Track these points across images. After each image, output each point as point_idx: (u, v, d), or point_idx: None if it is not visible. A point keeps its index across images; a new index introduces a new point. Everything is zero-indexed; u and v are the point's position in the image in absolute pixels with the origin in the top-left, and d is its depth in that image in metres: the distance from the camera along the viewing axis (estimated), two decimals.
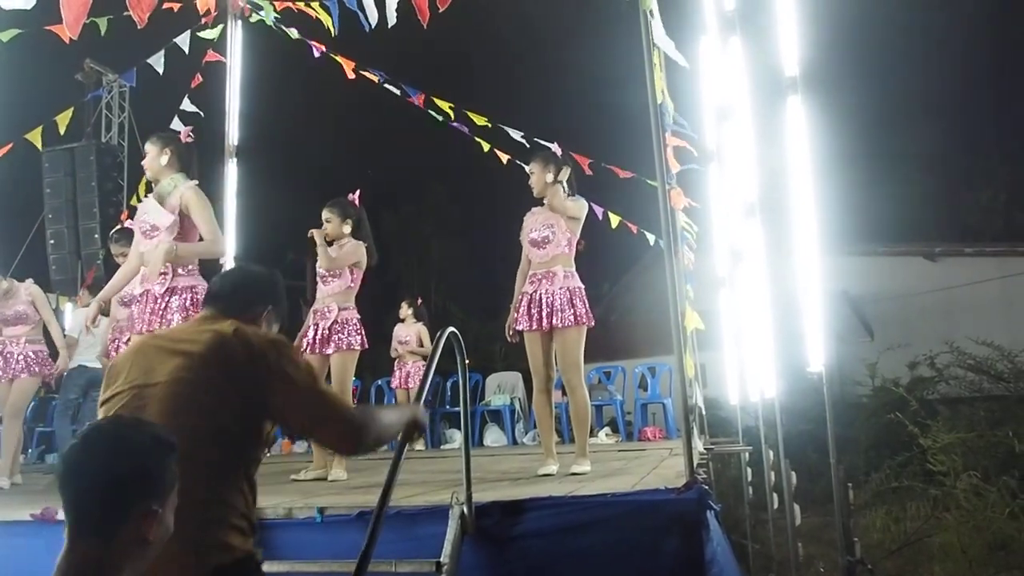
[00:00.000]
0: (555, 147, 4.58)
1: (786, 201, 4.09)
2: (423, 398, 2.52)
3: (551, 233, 4.27)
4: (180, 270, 3.92)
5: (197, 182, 4.07)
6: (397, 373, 7.91)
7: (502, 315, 4.67)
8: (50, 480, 5.82)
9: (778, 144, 4.26)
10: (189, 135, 4.23)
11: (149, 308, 3.86)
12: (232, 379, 1.94)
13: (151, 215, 3.99)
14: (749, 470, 5.92)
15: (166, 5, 4.88)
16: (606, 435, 7.34)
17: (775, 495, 4.65)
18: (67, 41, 3.88)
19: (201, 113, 6.63)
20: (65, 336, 6.78)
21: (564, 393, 4.54)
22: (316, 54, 6.19)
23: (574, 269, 4.32)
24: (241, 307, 2.21)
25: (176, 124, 6.61)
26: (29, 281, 5.53)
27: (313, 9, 5.64)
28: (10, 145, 5.75)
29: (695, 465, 2.92)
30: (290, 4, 5.81)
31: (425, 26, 4.27)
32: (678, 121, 4.99)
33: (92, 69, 9.35)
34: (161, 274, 3.88)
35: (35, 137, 5.92)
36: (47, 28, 5.37)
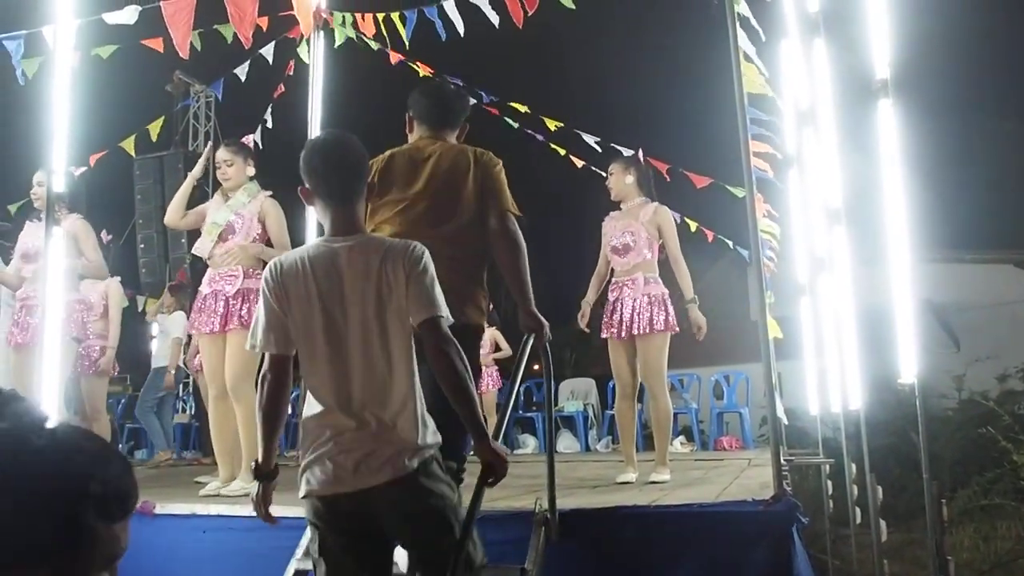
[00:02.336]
0: (637, 152, 4.58)
1: (873, 207, 3.98)
2: (511, 404, 2.55)
3: (631, 240, 4.25)
4: (250, 272, 4.12)
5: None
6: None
7: (572, 322, 4.68)
8: (145, 474, 6.05)
9: (864, 148, 4.15)
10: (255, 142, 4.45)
11: (221, 309, 4.02)
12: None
13: (223, 220, 4.20)
14: (829, 483, 5.76)
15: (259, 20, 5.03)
16: (681, 443, 7.26)
17: (857, 510, 4.52)
18: (184, 56, 4.09)
19: (269, 124, 6.84)
20: (153, 338, 7.05)
21: (639, 400, 4.51)
22: (393, 61, 6.30)
23: (657, 275, 4.28)
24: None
25: (258, 135, 6.85)
26: (115, 280, 5.66)
27: (389, 21, 5.76)
28: (104, 152, 6.02)
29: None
30: (359, 17, 5.94)
31: (520, 26, 4.32)
32: (763, 124, 4.91)
33: (181, 80, 9.73)
34: (231, 276, 4.06)
35: (129, 145, 6.19)
36: (143, 42, 5.62)
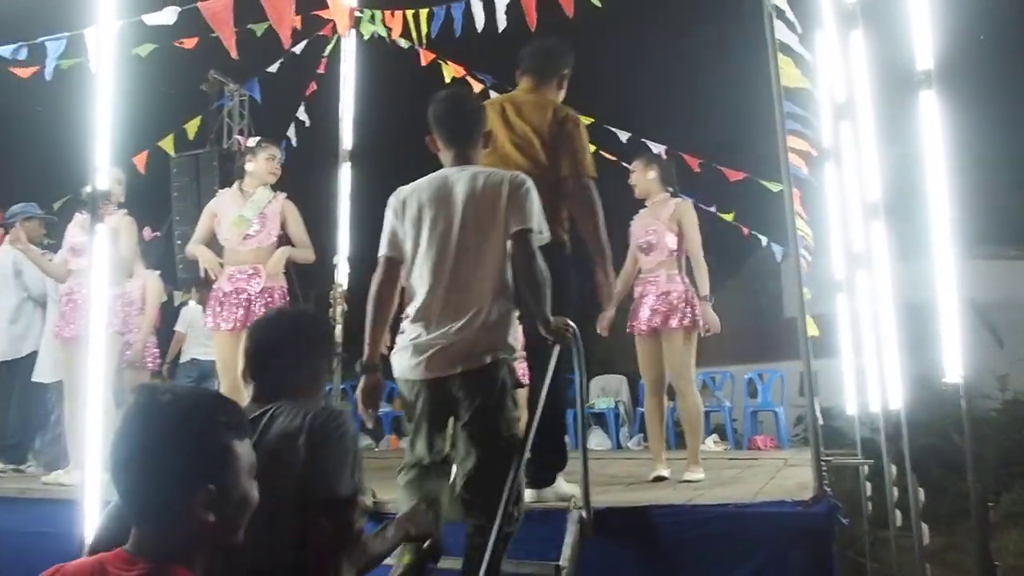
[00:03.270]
0: (660, 149, 4.54)
1: (913, 202, 3.89)
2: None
3: (654, 239, 4.22)
4: (270, 271, 4.25)
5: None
6: None
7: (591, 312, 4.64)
8: None
9: (904, 142, 4.06)
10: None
11: (243, 306, 4.09)
12: None
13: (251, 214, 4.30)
14: (868, 484, 5.65)
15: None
16: (714, 442, 7.17)
17: (897, 512, 4.43)
18: (234, 57, 4.16)
19: (307, 123, 6.89)
20: (175, 331, 7.12)
21: (671, 398, 4.46)
22: (424, 62, 6.31)
23: (681, 273, 4.23)
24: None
25: (291, 131, 6.91)
26: (154, 274, 5.70)
27: (416, 17, 5.77)
28: (145, 151, 6.10)
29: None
30: (388, 15, 5.96)
31: (571, 16, 4.31)
32: (798, 119, 4.83)
33: (215, 79, 9.82)
34: (253, 274, 4.14)
35: (168, 144, 6.28)
36: (177, 43, 5.70)
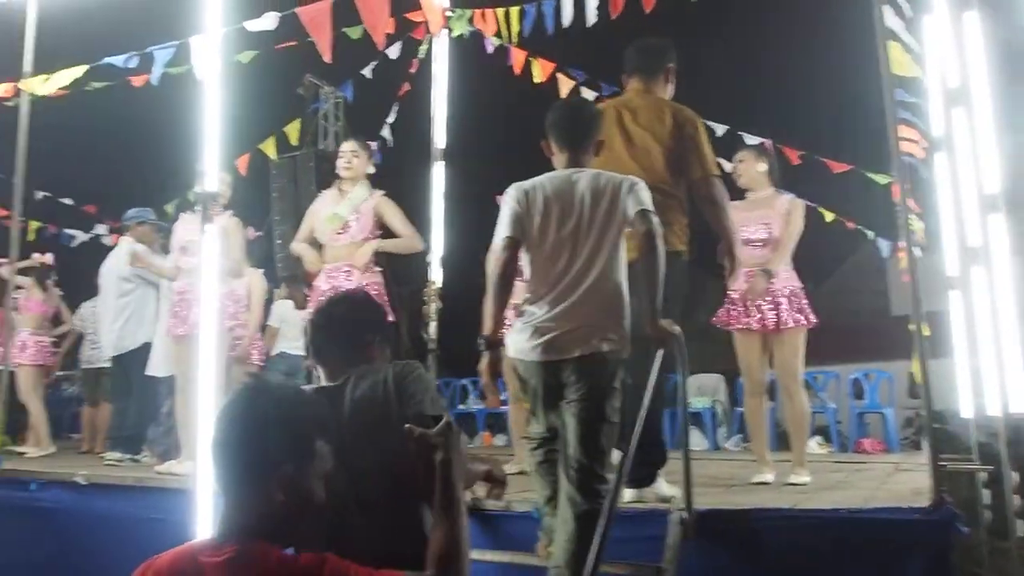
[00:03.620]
0: (759, 141, 4.40)
1: None
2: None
3: (769, 232, 4.07)
4: (364, 268, 4.32)
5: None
6: None
7: (694, 315, 4.51)
8: None
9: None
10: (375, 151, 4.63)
11: None
12: None
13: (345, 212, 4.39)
14: (985, 492, 5.34)
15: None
16: (818, 444, 6.92)
17: (1019, 522, 4.16)
18: (328, 61, 4.27)
19: (399, 123, 6.99)
20: (267, 326, 7.32)
21: (772, 398, 4.32)
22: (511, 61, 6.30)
23: (792, 268, 4.09)
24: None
25: (385, 131, 7.02)
26: (258, 272, 5.85)
27: (503, 16, 5.77)
28: (247, 155, 6.32)
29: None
30: (479, 14, 5.97)
31: (648, 10, 4.26)
32: (907, 107, 4.61)
33: (311, 83, 10.11)
34: (346, 272, 4.25)
35: (268, 147, 6.48)
36: (278, 48, 5.87)
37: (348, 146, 4.55)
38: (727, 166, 4.31)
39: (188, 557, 1.45)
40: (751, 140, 5.45)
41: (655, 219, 2.53)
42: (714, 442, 7.77)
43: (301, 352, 7.61)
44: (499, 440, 8.20)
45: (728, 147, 5.51)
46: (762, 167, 4.15)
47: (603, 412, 2.47)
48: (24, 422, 6.47)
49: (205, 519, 3.09)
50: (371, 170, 4.57)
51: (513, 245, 2.64)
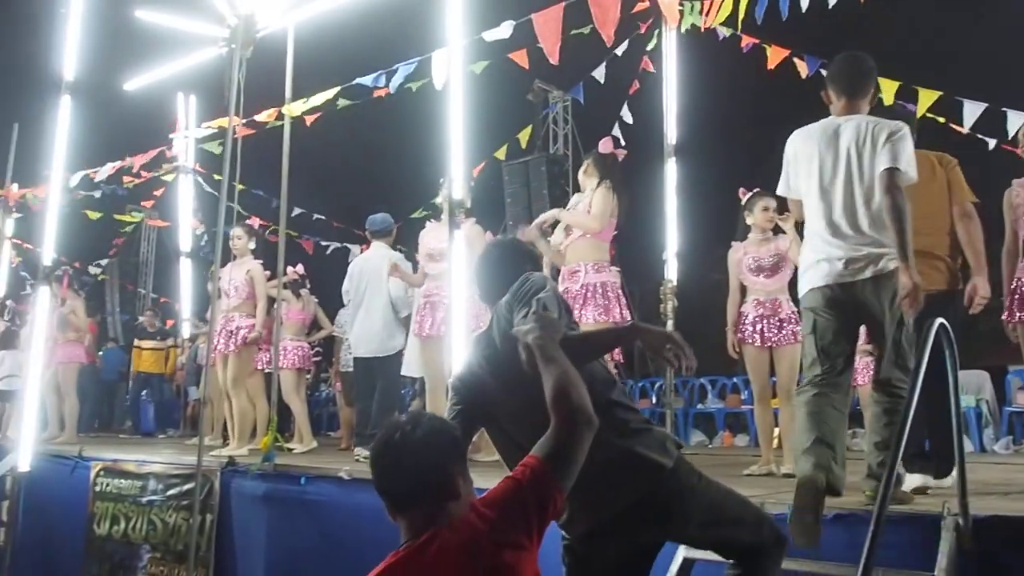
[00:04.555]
0: None
1: None
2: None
3: None
4: (591, 267, 4.35)
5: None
6: None
7: None
8: None
9: None
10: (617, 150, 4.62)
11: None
12: None
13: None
14: None
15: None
16: None
17: None
18: (554, 63, 4.43)
19: (630, 121, 7.00)
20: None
21: None
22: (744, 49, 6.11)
23: None
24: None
25: (615, 131, 7.08)
26: None
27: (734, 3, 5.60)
28: (484, 162, 6.67)
29: None
30: (706, 3, 5.84)
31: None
32: None
33: (540, 88, 10.43)
34: (575, 272, 4.34)
35: (501, 154, 6.80)
36: (509, 56, 6.13)
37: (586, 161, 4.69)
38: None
39: (400, 569, 1.63)
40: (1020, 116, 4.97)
41: (900, 178, 2.69)
42: (980, 444, 7.03)
43: None
44: (740, 440, 7.96)
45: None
46: None
47: (904, 326, 2.70)
48: (289, 421, 7.04)
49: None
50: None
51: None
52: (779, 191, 3.11)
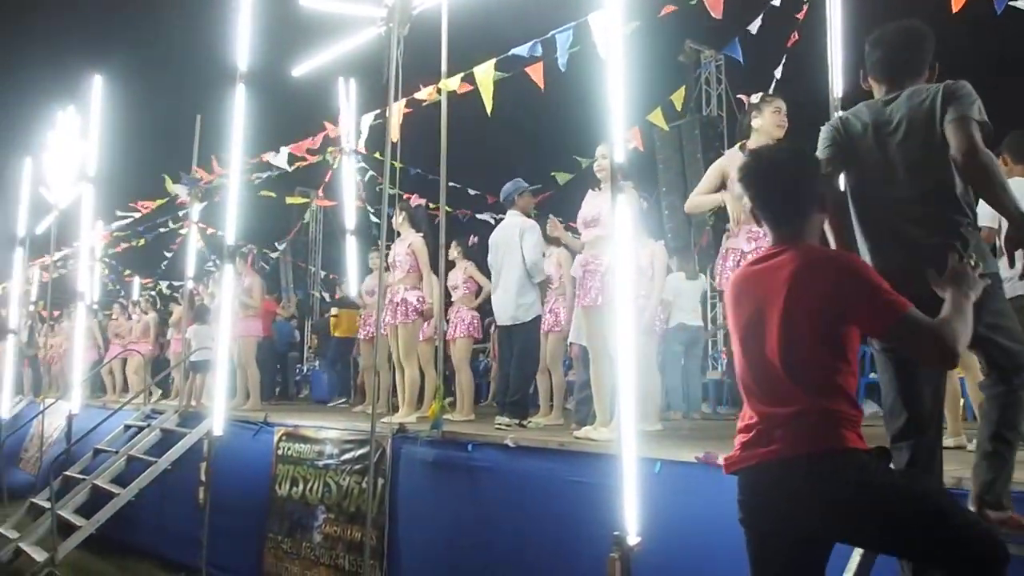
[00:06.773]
0: None
1: None
2: None
3: None
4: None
5: None
6: None
7: None
8: (694, 425, 6.40)
9: None
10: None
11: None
12: None
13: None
14: None
15: None
16: None
17: None
18: (717, 17, 4.23)
19: (787, 78, 6.59)
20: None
21: None
22: None
23: None
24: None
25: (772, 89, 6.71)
26: (660, 243, 5.79)
27: None
28: (636, 128, 6.49)
29: None
30: None
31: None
32: None
33: (691, 49, 10.07)
34: (751, 237, 4.14)
35: (657, 118, 6.58)
36: (661, 14, 5.92)
37: (778, 104, 4.34)
38: None
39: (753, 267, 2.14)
40: None
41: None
42: None
43: (699, 323, 7.65)
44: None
45: None
46: None
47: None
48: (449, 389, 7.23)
49: (629, 485, 3.12)
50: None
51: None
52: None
